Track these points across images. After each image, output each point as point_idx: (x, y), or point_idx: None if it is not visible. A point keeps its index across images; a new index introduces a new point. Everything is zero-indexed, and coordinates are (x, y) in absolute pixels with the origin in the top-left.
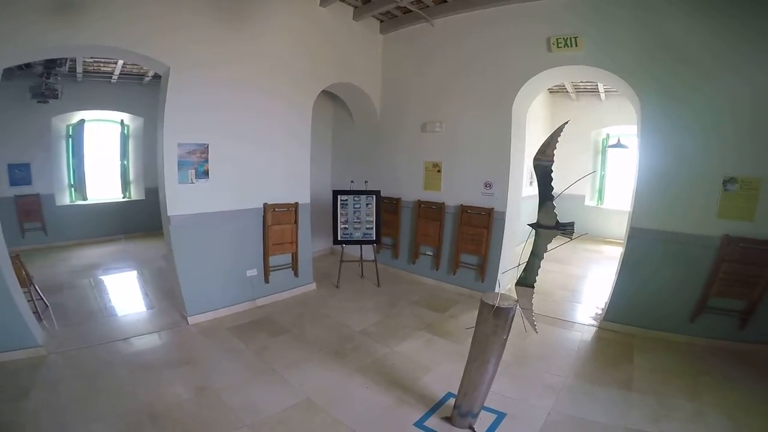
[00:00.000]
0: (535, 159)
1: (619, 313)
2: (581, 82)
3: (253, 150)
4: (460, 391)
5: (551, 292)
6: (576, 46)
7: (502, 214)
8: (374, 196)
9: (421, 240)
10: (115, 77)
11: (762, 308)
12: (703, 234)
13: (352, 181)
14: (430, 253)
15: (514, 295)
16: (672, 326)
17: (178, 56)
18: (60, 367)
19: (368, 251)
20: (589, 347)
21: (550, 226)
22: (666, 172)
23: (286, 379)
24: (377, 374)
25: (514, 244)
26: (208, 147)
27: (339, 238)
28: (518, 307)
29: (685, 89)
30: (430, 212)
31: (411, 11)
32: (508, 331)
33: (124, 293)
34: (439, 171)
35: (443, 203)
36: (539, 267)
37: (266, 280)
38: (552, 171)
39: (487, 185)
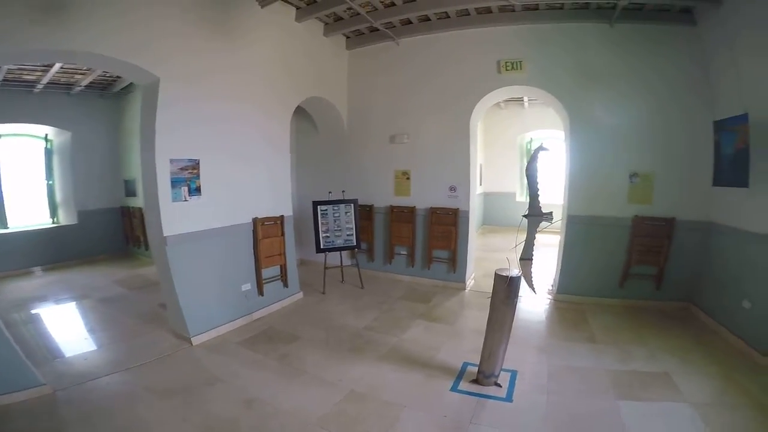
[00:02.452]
0: (526, 170)
1: (568, 286)
2: None
3: (241, 164)
4: (483, 356)
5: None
6: (521, 69)
7: (466, 213)
8: (352, 204)
9: (396, 241)
10: (40, 86)
11: (667, 272)
12: (621, 216)
13: (330, 192)
14: (404, 252)
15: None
16: (608, 292)
17: (167, 67)
18: (78, 403)
19: (343, 258)
20: (553, 315)
21: (538, 215)
22: (590, 169)
23: (321, 377)
24: (399, 359)
25: (474, 236)
26: (199, 162)
27: (322, 246)
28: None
29: (601, 106)
30: (402, 215)
31: (378, 30)
32: (517, 296)
33: (94, 323)
34: (408, 178)
35: (414, 207)
36: (534, 245)
37: (260, 293)
38: (537, 178)
39: (452, 189)
